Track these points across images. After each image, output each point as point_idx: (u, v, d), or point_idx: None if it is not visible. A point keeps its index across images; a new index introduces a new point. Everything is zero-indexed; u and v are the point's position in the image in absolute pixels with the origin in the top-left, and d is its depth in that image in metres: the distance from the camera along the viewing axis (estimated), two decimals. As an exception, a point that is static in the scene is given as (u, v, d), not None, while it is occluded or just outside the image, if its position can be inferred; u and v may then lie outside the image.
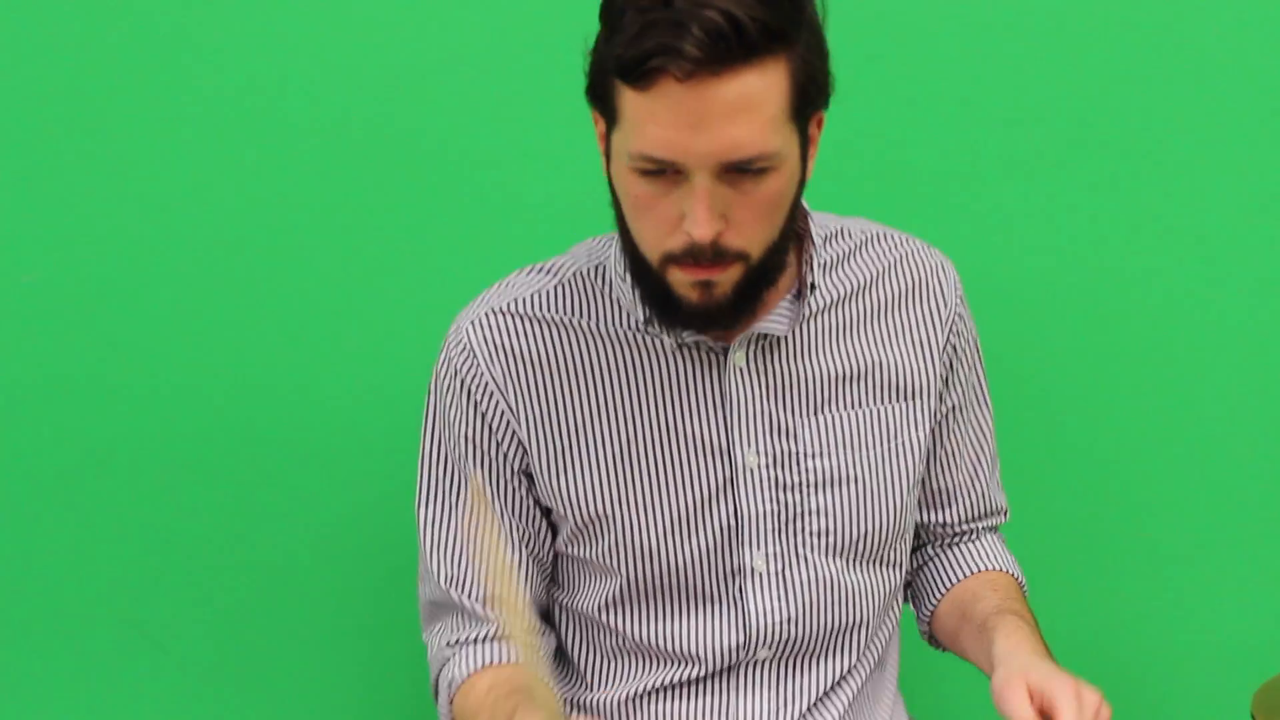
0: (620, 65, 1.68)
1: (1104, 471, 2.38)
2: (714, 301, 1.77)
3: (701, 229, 1.71)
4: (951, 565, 2.05)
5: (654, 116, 1.68)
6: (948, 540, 2.06)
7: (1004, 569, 2.04)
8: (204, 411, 2.27)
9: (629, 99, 1.70)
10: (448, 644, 1.93)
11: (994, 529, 2.09)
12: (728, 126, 1.68)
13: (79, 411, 2.26)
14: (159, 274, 2.24)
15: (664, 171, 1.71)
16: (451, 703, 1.91)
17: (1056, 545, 2.38)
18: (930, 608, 2.05)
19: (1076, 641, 2.39)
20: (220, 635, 2.31)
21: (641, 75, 1.67)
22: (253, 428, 2.27)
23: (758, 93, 1.68)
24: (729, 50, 1.65)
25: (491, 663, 1.89)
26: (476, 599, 1.91)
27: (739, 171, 1.71)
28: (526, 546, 1.92)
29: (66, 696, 2.30)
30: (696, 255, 1.73)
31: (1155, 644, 2.40)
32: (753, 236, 1.75)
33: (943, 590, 2.04)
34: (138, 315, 2.25)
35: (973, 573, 2.03)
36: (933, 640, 2.07)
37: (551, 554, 1.95)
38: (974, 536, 2.06)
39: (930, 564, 2.07)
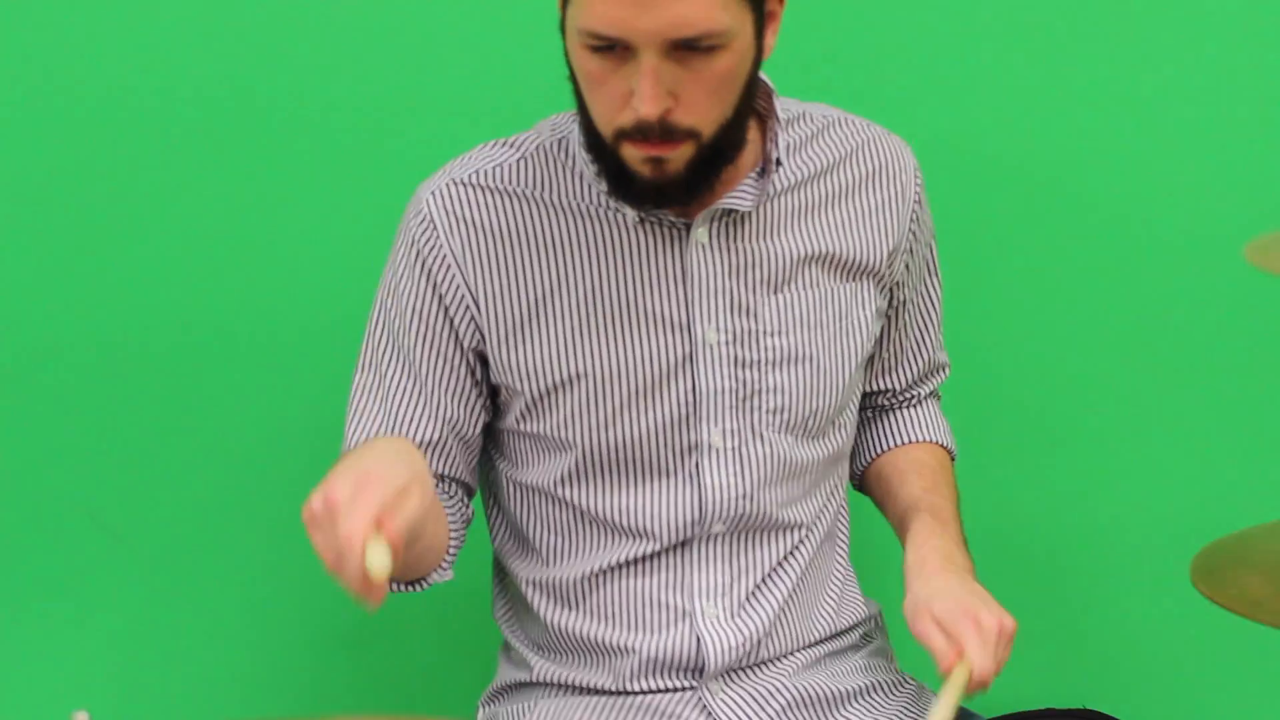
0: None
1: (1045, 339, 2.39)
2: (666, 177, 1.78)
3: (648, 106, 1.72)
4: (886, 431, 2.09)
5: None
6: (887, 405, 2.09)
7: (935, 439, 2.09)
8: (160, 301, 2.26)
9: None
10: None
11: (934, 393, 2.12)
12: (674, 3, 1.68)
13: (33, 301, 2.25)
14: (110, 168, 2.24)
15: (614, 48, 1.72)
16: None
17: (996, 412, 2.39)
18: (859, 468, 2.11)
19: (1014, 511, 2.41)
20: (175, 523, 2.30)
21: None
22: (210, 318, 2.26)
23: None
24: None
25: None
26: None
27: (688, 49, 1.72)
28: (452, 427, 1.92)
29: (19, 585, 2.29)
30: (645, 132, 1.74)
31: (1093, 512, 2.41)
32: (704, 115, 1.76)
33: (873, 454, 2.09)
34: (90, 208, 2.24)
35: (904, 442, 2.08)
36: (860, 489, 2.13)
37: (480, 434, 1.94)
38: (913, 402, 2.10)
39: (866, 427, 2.10)
